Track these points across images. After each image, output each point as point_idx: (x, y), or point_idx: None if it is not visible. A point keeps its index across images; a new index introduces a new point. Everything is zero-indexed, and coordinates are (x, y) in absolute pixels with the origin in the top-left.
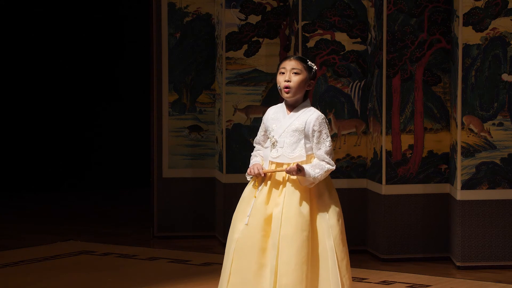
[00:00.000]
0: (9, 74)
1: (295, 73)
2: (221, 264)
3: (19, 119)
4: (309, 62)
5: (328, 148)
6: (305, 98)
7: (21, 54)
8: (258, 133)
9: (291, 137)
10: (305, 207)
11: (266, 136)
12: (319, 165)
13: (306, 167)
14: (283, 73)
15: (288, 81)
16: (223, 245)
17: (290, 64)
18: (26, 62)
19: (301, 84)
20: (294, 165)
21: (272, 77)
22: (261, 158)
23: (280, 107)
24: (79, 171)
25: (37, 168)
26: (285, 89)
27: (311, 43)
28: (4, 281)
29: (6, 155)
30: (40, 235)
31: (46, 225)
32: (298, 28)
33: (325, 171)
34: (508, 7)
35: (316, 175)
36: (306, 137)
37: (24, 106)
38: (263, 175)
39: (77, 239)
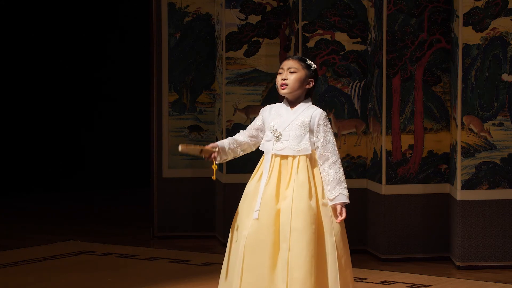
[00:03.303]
0: (10, 74)
1: (292, 71)
2: (221, 264)
3: (19, 119)
4: (308, 61)
5: (335, 142)
6: (306, 97)
7: (21, 54)
8: (252, 124)
9: (297, 130)
10: (314, 200)
11: (257, 131)
12: (337, 178)
13: (335, 192)
14: (281, 73)
15: (285, 79)
16: (223, 245)
17: (287, 64)
18: (26, 62)
19: (298, 81)
20: (343, 212)
21: (272, 77)
22: (228, 142)
23: (281, 105)
24: (79, 171)
25: (37, 168)
26: (282, 86)
27: (311, 43)
28: (4, 281)
29: (6, 155)
30: (40, 235)
31: (46, 225)
32: (298, 28)
33: (341, 172)
34: (508, 7)
35: (346, 192)
36: (311, 131)
37: (24, 106)
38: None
39: (77, 239)
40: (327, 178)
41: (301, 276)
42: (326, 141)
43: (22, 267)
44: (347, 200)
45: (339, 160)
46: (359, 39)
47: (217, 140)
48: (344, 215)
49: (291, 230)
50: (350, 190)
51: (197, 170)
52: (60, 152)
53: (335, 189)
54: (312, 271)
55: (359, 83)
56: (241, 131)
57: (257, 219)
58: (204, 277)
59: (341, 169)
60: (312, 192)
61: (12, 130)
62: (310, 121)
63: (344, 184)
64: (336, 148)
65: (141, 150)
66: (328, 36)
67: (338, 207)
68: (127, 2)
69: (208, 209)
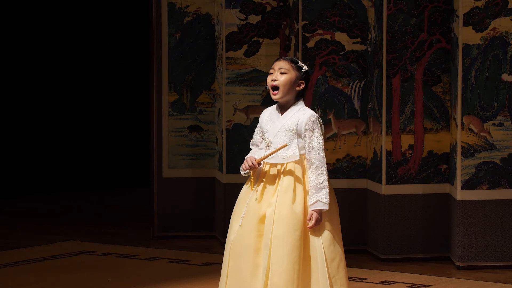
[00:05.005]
0: (10, 75)
1: (282, 72)
2: (221, 264)
3: (20, 119)
4: (300, 63)
5: (321, 147)
6: (298, 99)
7: (21, 54)
8: (254, 134)
9: (284, 137)
10: (299, 206)
11: (262, 138)
12: (316, 184)
13: (313, 199)
14: (272, 73)
15: (275, 80)
16: (223, 245)
17: (278, 64)
18: (27, 62)
19: (288, 83)
20: (313, 220)
21: None
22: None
23: (275, 109)
24: (79, 171)
25: (37, 168)
26: (273, 91)
27: (311, 43)
28: (4, 281)
29: (6, 155)
30: (40, 235)
31: (46, 225)
32: (298, 28)
33: (322, 178)
34: (508, 7)
35: (326, 199)
36: (299, 136)
37: (24, 106)
38: (257, 165)
39: (77, 239)
40: (309, 183)
41: (281, 281)
42: (310, 146)
43: (22, 267)
44: (325, 207)
45: (323, 165)
46: (359, 39)
47: (217, 141)
48: (313, 222)
49: (273, 237)
50: (350, 190)
51: (197, 170)
52: (60, 152)
53: (313, 195)
54: (294, 277)
55: (359, 83)
56: (252, 147)
57: (241, 225)
58: (204, 277)
59: (324, 175)
60: (297, 197)
61: (12, 131)
62: (296, 127)
63: (324, 191)
64: (321, 153)
65: (141, 150)
66: (328, 36)
67: (314, 214)
68: (127, 2)
69: (208, 209)
